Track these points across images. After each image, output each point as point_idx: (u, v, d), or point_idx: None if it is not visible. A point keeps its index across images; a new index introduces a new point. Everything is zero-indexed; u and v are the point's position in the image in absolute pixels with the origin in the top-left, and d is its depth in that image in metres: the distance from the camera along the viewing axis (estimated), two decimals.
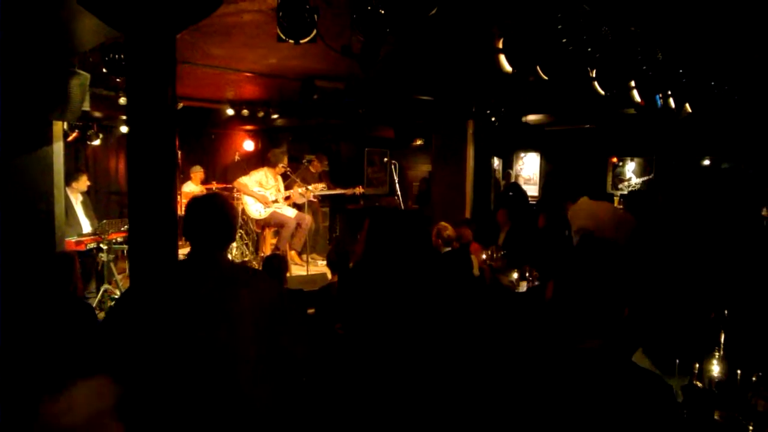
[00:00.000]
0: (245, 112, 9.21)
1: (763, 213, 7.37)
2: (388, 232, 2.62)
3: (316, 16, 3.29)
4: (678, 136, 10.43)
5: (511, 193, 12.18)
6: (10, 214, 4.47)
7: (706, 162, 11.10)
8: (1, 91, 4.19)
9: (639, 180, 12.23)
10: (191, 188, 9.43)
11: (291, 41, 3.41)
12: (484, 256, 5.79)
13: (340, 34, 4.00)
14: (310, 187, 8.38)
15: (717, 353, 2.36)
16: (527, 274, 5.42)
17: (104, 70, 5.01)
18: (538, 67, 3.94)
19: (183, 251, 7.56)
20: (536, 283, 5.24)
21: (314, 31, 3.34)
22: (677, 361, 2.35)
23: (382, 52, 3.63)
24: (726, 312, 2.68)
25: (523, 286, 5.37)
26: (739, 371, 2.29)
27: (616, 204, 11.92)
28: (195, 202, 2.28)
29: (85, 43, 4.42)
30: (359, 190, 9.02)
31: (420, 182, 12.19)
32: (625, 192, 12.25)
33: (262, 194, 8.12)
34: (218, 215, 2.18)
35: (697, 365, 2.32)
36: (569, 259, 1.64)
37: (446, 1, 3.16)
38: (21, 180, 4.58)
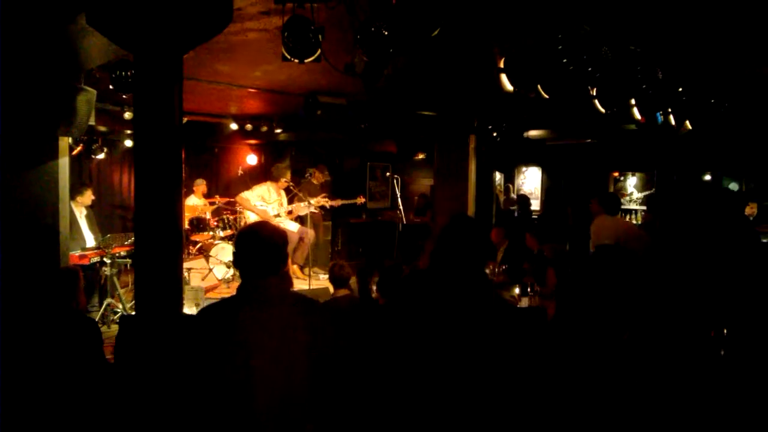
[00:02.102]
0: (249, 126, 9.27)
1: (747, 211, 7.34)
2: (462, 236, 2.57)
3: (320, 36, 3.35)
4: (679, 152, 10.48)
5: (512, 208, 12.25)
6: (16, 228, 4.51)
7: (707, 177, 11.15)
8: (8, 106, 4.26)
9: (640, 195, 12.29)
10: (194, 201, 9.48)
11: (296, 60, 3.46)
12: (486, 271, 5.80)
13: (344, 53, 4.06)
14: (312, 200, 8.42)
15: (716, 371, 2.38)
16: (529, 289, 5.42)
17: (111, 87, 5.07)
18: (539, 86, 4.00)
19: (186, 264, 7.61)
20: (537, 298, 5.23)
21: (318, 51, 3.40)
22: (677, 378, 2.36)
23: (384, 73, 3.69)
24: (725, 330, 2.70)
25: (525, 302, 5.37)
26: None
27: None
28: (243, 232, 2.35)
29: (93, 61, 4.48)
30: (360, 200, 9.06)
31: (418, 197, 12.26)
32: (627, 206, 12.30)
33: (263, 209, 8.16)
34: (262, 244, 2.23)
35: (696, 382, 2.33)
36: (571, 281, 1.66)
37: (448, 22, 3.22)
38: (27, 194, 4.62)
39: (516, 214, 12.07)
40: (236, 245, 2.32)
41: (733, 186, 11.06)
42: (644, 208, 11.98)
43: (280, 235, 2.33)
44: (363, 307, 3.94)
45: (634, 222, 12.02)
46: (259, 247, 2.23)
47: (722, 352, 2.48)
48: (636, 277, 1.64)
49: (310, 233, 8.37)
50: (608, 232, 5.44)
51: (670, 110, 5.87)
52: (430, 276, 2.55)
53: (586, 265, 1.77)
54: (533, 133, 10.41)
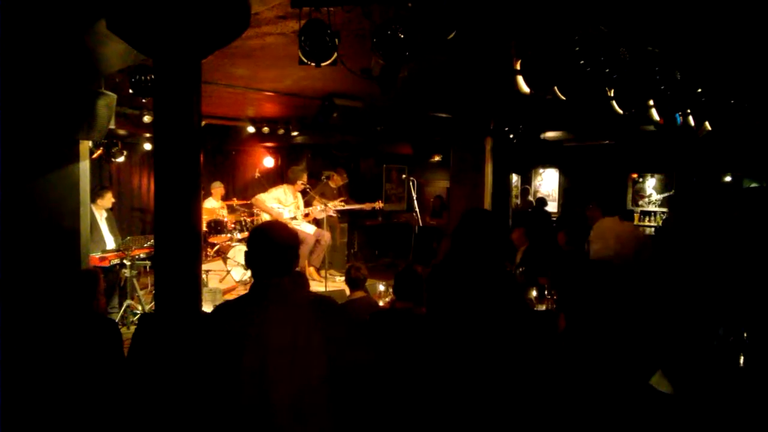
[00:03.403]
0: (266, 129, 9.33)
1: None
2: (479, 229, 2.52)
3: (337, 40, 3.36)
4: (698, 153, 10.37)
5: (530, 210, 12.17)
6: (37, 231, 4.58)
7: (728, 178, 11.01)
8: (29, 111, 4.33)
9: (660, 196, 12.15)
10: (212, 204, 9.56)
11: (312, 64, 3.49)
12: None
13: (360, 56, 4.07)
14: (329, 204, 8.44)
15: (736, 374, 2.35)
16: (546, 292, 5.38)
17: (131, 91, 5.14)
18: (556, 88, 3.98)
19: (205, 266, 7.68)
20: (554, 306, 5.18)
21: (335, 55, 3.41)
22: (695, 382, 2.34)
23: (401, 75, 3.69)
24: (745, 334, 2.67)
25: (543, 305, 5.33)
26: None
27: (636, 220, 11.87)
28: (254, 231, 2.34)
29: (113, 66, 4.54)
30: (379, 204, 9.06)
31: (434, 199, 12.26)
32: (646, 208, 12.18)
33: (280, 211, 8.20)
34: (273, 243, 2.21)
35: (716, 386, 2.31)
36: (576, 293, 1.65)
37: (464, 25, 3.22)
38: (48, 198, 4.69)
39: (530, 209, 12.01)
40: (248, 245, 2.31)
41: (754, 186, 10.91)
42: (664, 209, 11.86)
43: (292, 235, 2.31)
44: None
45: (653, 223, 11.92)
46: (271, 247, 2.21)
47: (742, 356, 2.45)
48: (628, 288, 1.63)
49: (327, 235, 8.39)
50: (609, 234, 5.36)
51: (689, 111, 5.81)
52: (449, 272, 2.52)
53: (579, 282, 1.74)
54: (550, 134, 10.34)
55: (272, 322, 2.12)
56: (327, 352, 2.14)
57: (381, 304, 4.94)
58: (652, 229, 11.67)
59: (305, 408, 2.08)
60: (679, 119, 5.82)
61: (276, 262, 2.21)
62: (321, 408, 2.12)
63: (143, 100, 6.08)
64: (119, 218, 8.43)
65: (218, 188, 9.84)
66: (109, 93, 4.80)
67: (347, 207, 8.88)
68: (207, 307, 5.98)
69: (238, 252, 8.30)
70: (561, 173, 13.45)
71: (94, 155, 8.26)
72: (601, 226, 5.47)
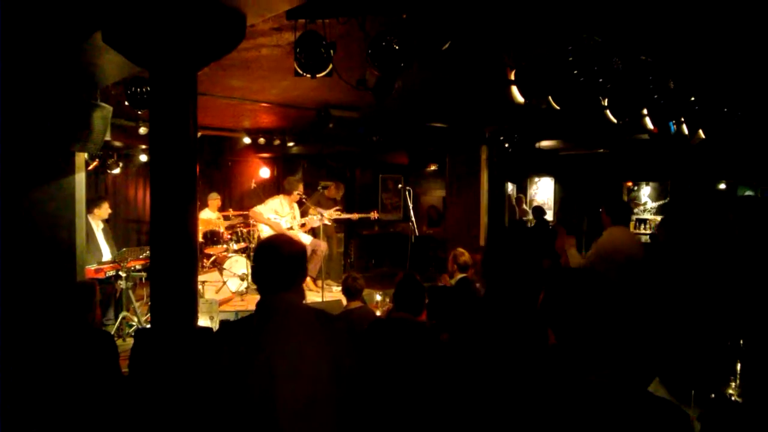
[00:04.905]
0: (261, 140, 9.35)
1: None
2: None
3: (332, 51, 3.38)
4: (693, 161, 10.42)
5: (525, 218, 12.20)
6: (33, 242, 4.58)
7: (722, 186, 11.07)
8: (25, 123, 4.34)
9: (655, 204, 12.19)
10: (208, 215, 9.55)
11: (308, 75, 3.50)
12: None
13: (355, 67, 4.10)
14: (325, 213, 8.44)
15: (733, 383, 2.36)
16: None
17: (126, 103, 5.15)
18: (550, 98, 4.00)
19: (201, 277, 7.66)
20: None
21: (330, 66, 3.44)
22: (693, 390, 2.35)
23: (395, 86, 3.72)
24: (741, 341, 2.68)
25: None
26: None
27: (631, 228, 11.91)
28: (260, 245, 2.27)
29: (109, 78, 4.56)
30: (374, 215, 9.07)
31: (428, 209, 12.26)
32: (641, 216, 12.22)
33: (277, 222, 8.20)
34: (281, 258, 2.14)
35: (713, 395, 2.32)
36: (563, 306, 1.64)
37: (459, 35, 3.25)
38: (44, 209, 4.70)
39: (529, 225, 12.04)
40: (255, 259, 2.24)
41: (748, 195, 10.97)
42: (659, 217, 11.91)
43: (300, 249, 2.23)
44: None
45: (648, 231, 11.96)
46: (279, 262, 2.14)
47: (739, 363, 2.46)
48: (620, 297, 1.61)
49: (323, 245, 8.39)
50: (620, 244, 5.25)
51: (682, 119, 5.84)
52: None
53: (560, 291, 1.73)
54: (545, 143, 10.39)
55: (279, 339, 2.06)
56: (333, 366, 2.09)
57: (378, 313, 4.94)
58: (648, 236, 11.71)
59: (313, 424, 2.05)
60: (673, 127, 5.85)
61: (284, 278, 2.14)
62: (328, 423, 2.08)
63: (139, 112, 6.09)
64: (115, 230, 8.40)
65: (214, 199, 9.83)
66: (105, 105, 4.82)
67: (343, 216, 8.88)
68: (203, 319, 5.97)
69: (235, 263, 8.28)
70: (556, 182, 13.50)
71: (90, 167, 8.25)
72: (611, 236, 5.30)
